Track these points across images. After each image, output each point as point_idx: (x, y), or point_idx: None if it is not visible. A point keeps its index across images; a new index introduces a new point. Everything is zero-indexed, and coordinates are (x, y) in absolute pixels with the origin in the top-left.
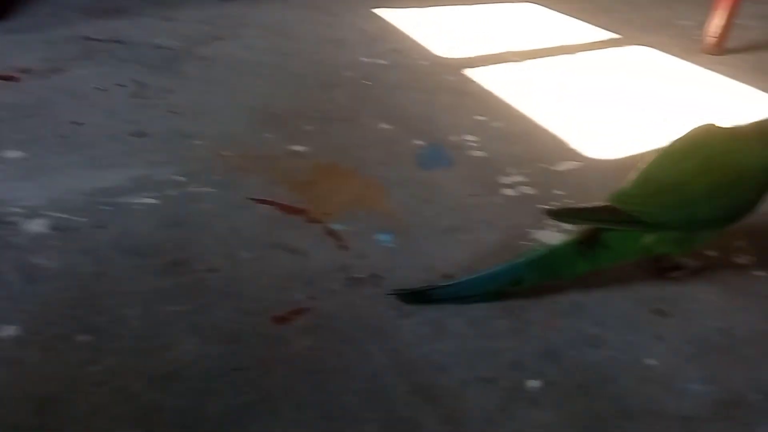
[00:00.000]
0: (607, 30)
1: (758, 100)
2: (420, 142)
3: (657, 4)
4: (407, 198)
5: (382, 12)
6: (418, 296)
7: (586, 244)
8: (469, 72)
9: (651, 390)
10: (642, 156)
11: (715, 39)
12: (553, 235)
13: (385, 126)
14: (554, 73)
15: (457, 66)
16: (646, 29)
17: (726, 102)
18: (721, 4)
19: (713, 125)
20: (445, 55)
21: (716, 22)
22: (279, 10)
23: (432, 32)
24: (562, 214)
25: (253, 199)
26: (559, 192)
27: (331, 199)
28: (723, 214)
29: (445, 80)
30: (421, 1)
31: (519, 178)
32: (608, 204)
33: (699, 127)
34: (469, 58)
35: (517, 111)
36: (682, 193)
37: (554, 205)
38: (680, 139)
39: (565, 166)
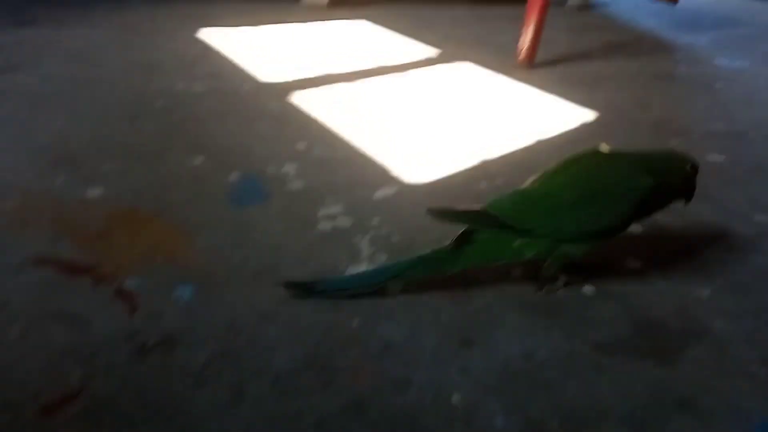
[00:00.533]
0: (433, 47)
1: (563, 109)
2: (234, 177)
3: (477, 21)
4: (215, 242)
5: (203, 33)
6: (303, 288)
7: (458, 242)
8: (293, 96)
9: (456, 430)
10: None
11: (527, 54)
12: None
13: (196, 161)
14: (381, 94)
15: (281, 91)
16: (468, 45)
17: (536, 113)
18: (530, 22)
19: (598, 149)
20: (269, 80)
21: (526, 38)
22: (85, 33)
23: (258, 54)
24: (441, 214)
25: (30, 260)
26: (374, 222)
27: (125, 251)
28: (589, 228)
29: (267, 107)
30: (247, 20)
31: (337, 209)
32: (483, 209)
33: (586, 150)
34: (295, 81)
35: (340, 136)
36: (549, 203)
37: (368, 236)
38: (566, 159)
39: (383, 193)
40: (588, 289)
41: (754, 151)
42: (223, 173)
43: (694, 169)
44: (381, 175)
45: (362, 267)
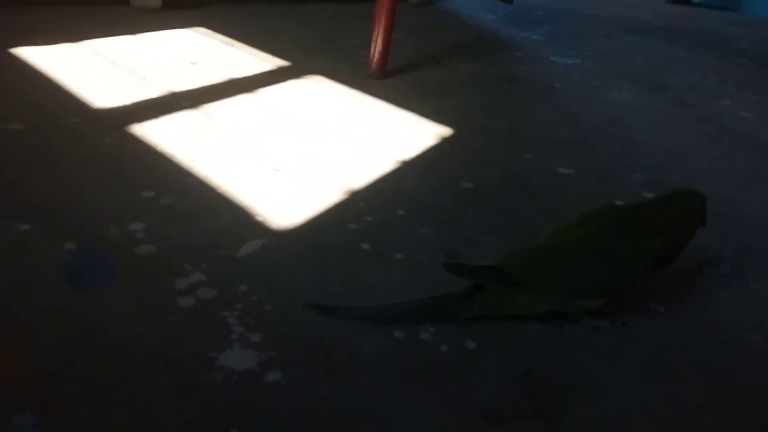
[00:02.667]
0: (281, 58)
1: (419, 124)
2: (70, 246)
3: (324, 21)
4: (52, 344)
5: (21, 52)
6: (327, 311)
7: (471, 291)
8: (132, 128)
9: None
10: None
11: (378, 62)
12: (238, 355)
13: (17, 227)
14: (231, 116)
15: (117, 121)
16: (317, 53)
17: (393, 131)
18: (378, 30)
19: (614, 205)
20: (101, 108)
21: (376, 47)
22: None
23: (85, 76)
24: (456, 271)
25: None
26: (242, 289)
27: None
28: (601, 288)
29: (102, 144)
30: (68, 34)
31: (197, 277)
32: (496, 265)
33: (604, 206)
34: (132, 107)
35: (191, 176)
36: (560, 265)
37: (237, 309)
38: (582, 215)
39: (249, 248)
40: (470, 344)
41: (596, 161)
42: (54, 243)
43: (703, 201)
44: (244, 224)
45: (234, 354)
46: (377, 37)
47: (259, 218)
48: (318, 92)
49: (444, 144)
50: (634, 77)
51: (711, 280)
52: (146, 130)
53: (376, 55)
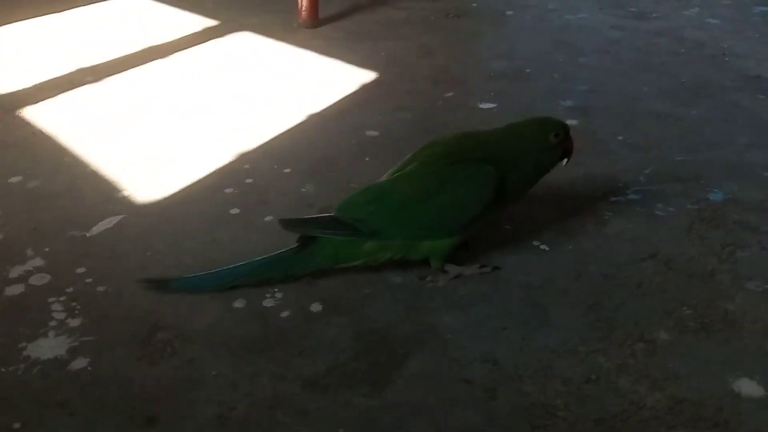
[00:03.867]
0: (207, 17)
1: (343, 72)
2: None
3: None
4: None
5: None
6: (160, 285)
7: (302, 246)
8: (25, 111)
9: None
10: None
11: (308, 12)
12: (50, 343)
13: None
14: (139, 86)
15: (10, 104)
16: (250, 9)
17: (311, 82)
18: None
19: (446, 136)
20: (3, 92)
21: None
22: None
23: (5, 57)
24: (290, 226)
25: None
26: (79, 271)
27: None
28: (436, 226)
29: None
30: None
31: (36, 263)
32: (330, 214)
33: (435, 137)
34: (32, 89)
35: (69, 155)
36: (392, 202)
37: (66, 293)
38: (425, 144)
39: (102, 227)
40: (316, 306)
41: (526, 92)
42: None
43: (561, 132)
44: (105, 201)
45: (44, 342)
46: None
47: (126, 193)
48: (239, 50)
49: (362, 91)
50: None
51: (612, 209)
52: (38, 112)
53: (304, 3)
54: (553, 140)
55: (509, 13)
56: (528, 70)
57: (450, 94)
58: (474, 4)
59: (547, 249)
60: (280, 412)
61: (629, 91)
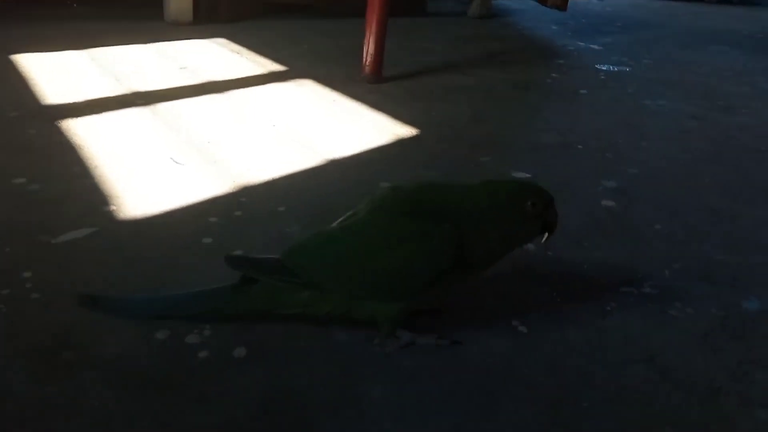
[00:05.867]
0: (278, 64)
1: (382, 126)
2: None
3: (351, 33)
4: None
5: (22, 57)
6: (89, 302)
7: (239, 285)
8: (65, 121)
9: None
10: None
11: (371, 66)
12: None
13: None
14: (180, 115)
15: (54, 115)
16: (323, 61)
17: (346, 132)
18: (370, 33)
19: (410, 183)
20: (51, 103)
21: (368, 51)
22: None
23: (68, 77)
24: (232, 261)
25: None
26: (26, 275)
27: None
28: (384, 284)
29: (23, 134)
30: (88, 43)
31: None
32: (277, 257)
33: (400, 183)
34: (81, 104)
35: (80, 166)
36: (338, 249)
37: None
38: (380, 193)
39: (72, 235)
40: (240, 351)
41: (568, 166)
42: None
43: (540, 205)
44: (89, 211)
45: None
46: (369, 41)
47: (112, 207)
48: (293, 95)
49: (395, 145)
50: (688, 86)
51: (619, 300)
52: (77, 124)
53: (368, 59)
54: (529, 209)
55: (583, 91)
56: (579, 147)
57: (486, 159)
58: (548, 80)
59: (525, 331)
60: None
61: (686, 181)
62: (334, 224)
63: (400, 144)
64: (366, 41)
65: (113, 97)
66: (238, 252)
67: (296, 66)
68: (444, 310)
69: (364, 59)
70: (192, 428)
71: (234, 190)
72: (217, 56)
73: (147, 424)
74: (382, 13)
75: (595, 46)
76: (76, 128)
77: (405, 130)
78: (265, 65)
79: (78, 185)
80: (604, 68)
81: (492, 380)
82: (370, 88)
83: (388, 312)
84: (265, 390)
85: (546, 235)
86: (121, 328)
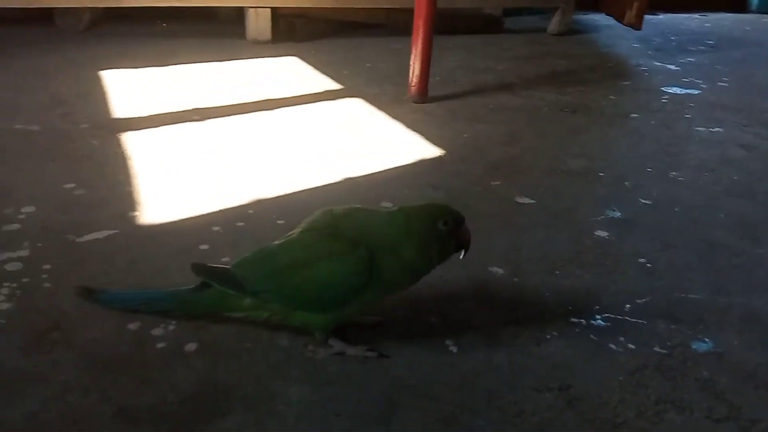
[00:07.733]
0: (335, 82)
1: (413, 146)
2: None
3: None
4: None
5: (107, 73)
6: (87, 294)
7: (197, 289)
8: (125, 134)
9: None
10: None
11: (417, 87)
12: None
13: None
14: (231, 131)
15: (118, 128)
16: (375, 79)
17: (376, 151)
18: (416, 53)
19: (341, 207)
20: (119, 116)
21: (414, 71)
22: None
23: (141, 92)
24: (196, 267)
25: None
26: (47, 266)
27: None
28: (307, 297)
29: (87, 144)
30: (169, 60)
31: (21, 253)
32: (228, 267)
33: (333, 207)
34: (144, 118)
35: (124, 174)
36: (273, 263)
37: (20, 281)
38: (320, 212)
39: (94, 235)
40: (191, 346)
41: (578, 193)
42: None
43: (451, 223)
44: (117, 216)
45: None
46: (414, 61)
47: (136, 213)
48: (340, 113)
49: (414, 165)
50: (755, 112)
51: (561, 330)
52: (134, 137)
53: (414, 79)
54: (441, 228)
55: (634, 115)
56: (601, 174)
57: (496, 182)
58: (603, 103)
59: (455, 351)
60: (78, 428)
61: (698, 215)
62: (276, 241)
63: (420, 164)
64: (412, 62)
65: (174, 112)
66: (226, 259)
67: (351, 84)
68: (382, 324)
69: (410, 79)
70: (129, 404)
71: (245, 203)
72: (283, 74)
73: (95, 398)
74: (427, 34)
75: (672, 66)
76: (132, 140)
77: (431, 151)
78: (323, 83)
79: (117, 192)
80: (670, 91)
81: (400, 392)
82: (413, 107)
83: (317, 321)
84: (200, 380)
85: (463, 252)
86: (105, 318)
